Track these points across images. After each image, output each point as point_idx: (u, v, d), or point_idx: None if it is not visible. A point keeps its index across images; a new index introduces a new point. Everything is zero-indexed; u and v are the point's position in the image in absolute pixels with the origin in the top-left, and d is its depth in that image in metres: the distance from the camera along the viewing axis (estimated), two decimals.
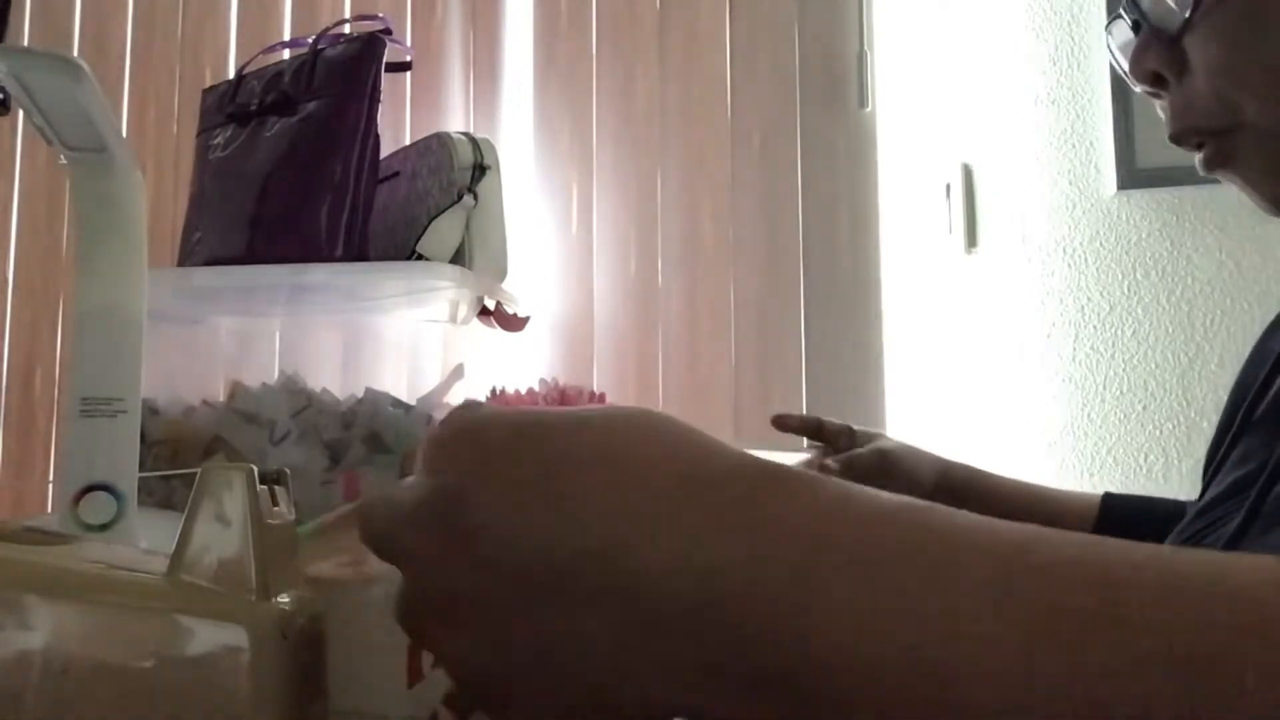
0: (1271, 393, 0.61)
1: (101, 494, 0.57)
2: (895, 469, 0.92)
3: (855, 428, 0.98)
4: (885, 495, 0.28)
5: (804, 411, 1.56)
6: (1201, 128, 0.58)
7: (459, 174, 1.08)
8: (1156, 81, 0.59)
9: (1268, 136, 0.56)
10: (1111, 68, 1.60)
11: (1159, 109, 0.62)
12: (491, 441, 0.30)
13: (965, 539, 0.27)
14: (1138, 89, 0.63)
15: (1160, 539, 0.77)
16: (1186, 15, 0.56)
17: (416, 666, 0.39)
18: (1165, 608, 0.24)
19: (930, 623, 0.25)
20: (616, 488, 0.28)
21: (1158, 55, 0.58)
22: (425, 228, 1.06)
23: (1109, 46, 0.66)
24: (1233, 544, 0.53)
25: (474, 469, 0.30)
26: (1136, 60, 0.59)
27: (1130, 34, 0.61)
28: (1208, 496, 0.62)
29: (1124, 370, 1.58)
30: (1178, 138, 0.60)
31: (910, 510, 0.28)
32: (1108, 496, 0.88)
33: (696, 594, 0.27)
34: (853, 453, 0.94)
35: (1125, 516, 0.86)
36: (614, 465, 0.29)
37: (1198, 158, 0.60)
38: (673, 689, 0.27)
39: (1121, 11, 0.62)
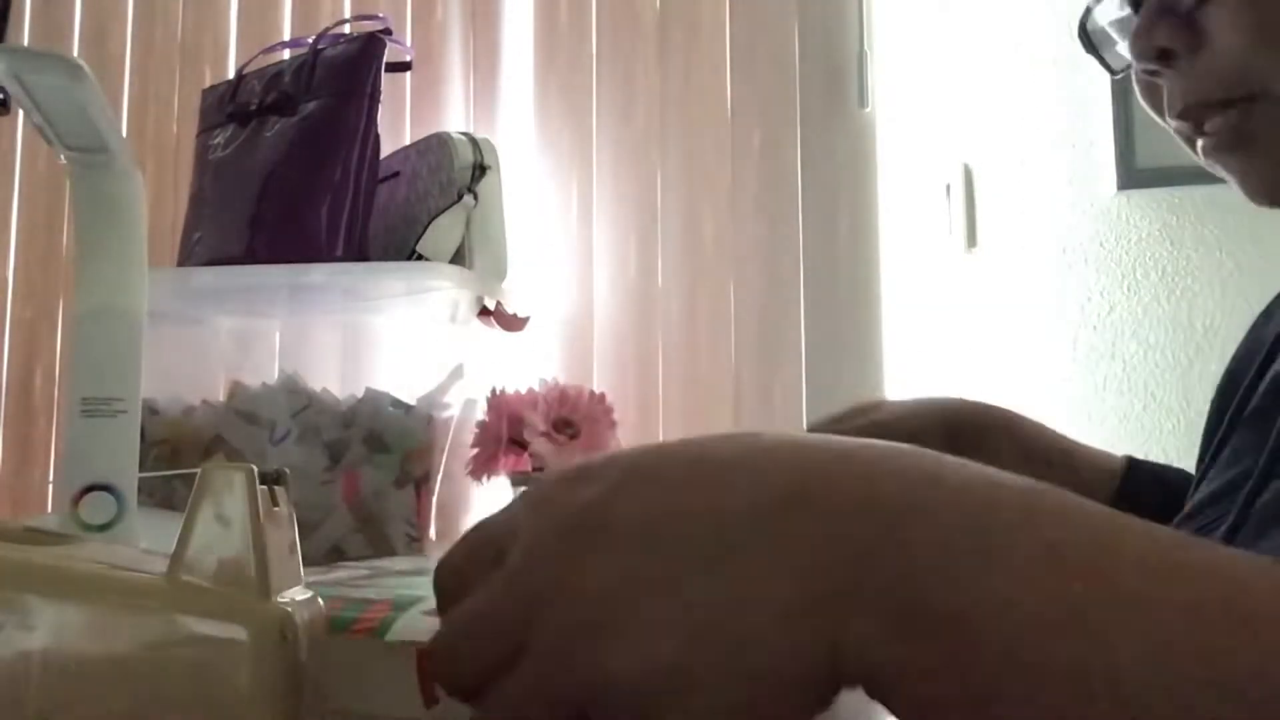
0: (1260, 389, 0.61)
1: (101, 494, 0.57)
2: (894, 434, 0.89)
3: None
4: (1032, 482, 0.30)
5: (804, 412, 1.56)
6: (1218, 99, 0.54)
7: (459, 174, 1.08)
8: (1162, 58, 0.56)
9: None
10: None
11: (1140, 98, 0.59)
12: (621, 463, 0.31)
13: (1119, 518, 0.29)
14: (1124, 70, 0.59)
15: (1174, 510, 0.77)
16: None
17: (430, 690, 0.39)
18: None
19: (1094, 582, 0.27)
20: (783, 451, 0.30)
21: (1169, 29, 0.55)
22: (425, 228, 1.06)
23: (1085, 29, 0.63)
24: (1226, 545, 0.53)
25: (616, 486, 0.30)
26: (1145, 35, 0.55)
27: (1120, 11, 0.59)
28: (1199, 495, 0.61)
29: (1124, 370, 1.58)
30: (1188, 113, 0.56)
31: (1059, 491, 0.30)
32: (1131, 464, 0.87)
33: (883, 532, 0.28)
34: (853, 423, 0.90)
35: (1146, 485, 0.86)
36: (760, 449, 0.31)
37: (1201, 143, 0.57)
38: (853, 640, 0.27)
39: None
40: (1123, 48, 0.61)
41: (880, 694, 0.28)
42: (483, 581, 0.30)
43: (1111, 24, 0.61)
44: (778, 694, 0.28)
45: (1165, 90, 0.57)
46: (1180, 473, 0.85)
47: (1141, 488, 0.84)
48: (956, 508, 0.29)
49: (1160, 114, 0.59)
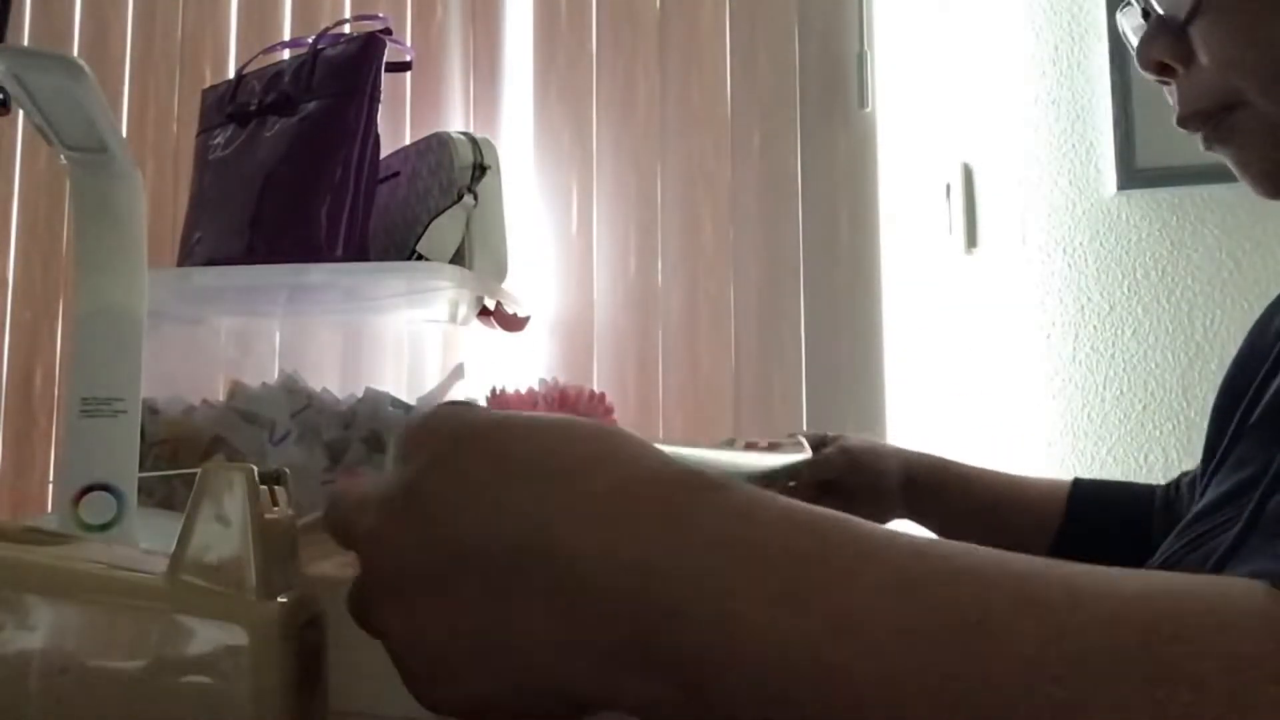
0: (1268, 395, 0.61)
1: (101, 494, 0.57)
2: (861, 464, 0.92)
3: (809, 433, 0.97)
4: (795, 504, 0.31)
5: (805, 412, 1.56)
6: (1206, 111, 0.59)
7: (459, 174, 1.08)
8: (1163, 70, 0.61)
9: (1267, 115, 0.57)
10: (1111, 67, 1.60)
11: (1167, 94, 0.63)
12: (454, 436, 0.33)
13: (866, 545, 0.29)
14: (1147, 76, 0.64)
15: (1130, 524, 0.79)
16: (1193, 3, 0.57)
17: None
18: (1026, 619, 0.26)
19: (829, 620, 0.28)
20: (555, 490, 0.31)
21: (1165, 45, 0.59)
22: (425, 228, 1.06)
23: (1120, 27, 0.67)
24: (1231, 553, 0.53)
25: (433, 460, 0.32)
26: (1144, 50, 0.61)
27: (1140, 19, 0.63)
28: (1206, 500, 0.61)
29: (1124, 370, 1.58)
30: (1183, 122, 0.61)
31: (817, 518, 0.30)
32: (1077, 483, 0.88)
33: (622, 583, 0.29)
34: (821, 453, 0.94)
35: (1094, 502, 0.86)
36: (555, 469, 0.32)
37: (1200, 137, 0.61)
38: (596, 673, 0.30)
39: None
40: None
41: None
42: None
43: (1130, 30, 0.65)
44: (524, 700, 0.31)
45: (1169, 94, 0.62)
46: (1125, 486, 0.87)
47: (1089, 506, 0.85)
48: (703, 557, 0.29)
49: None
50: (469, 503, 0.31)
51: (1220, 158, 0.62)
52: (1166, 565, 0.55)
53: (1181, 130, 0.63)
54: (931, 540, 0.30)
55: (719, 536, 0.30)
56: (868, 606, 0.28)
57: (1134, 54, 0.64)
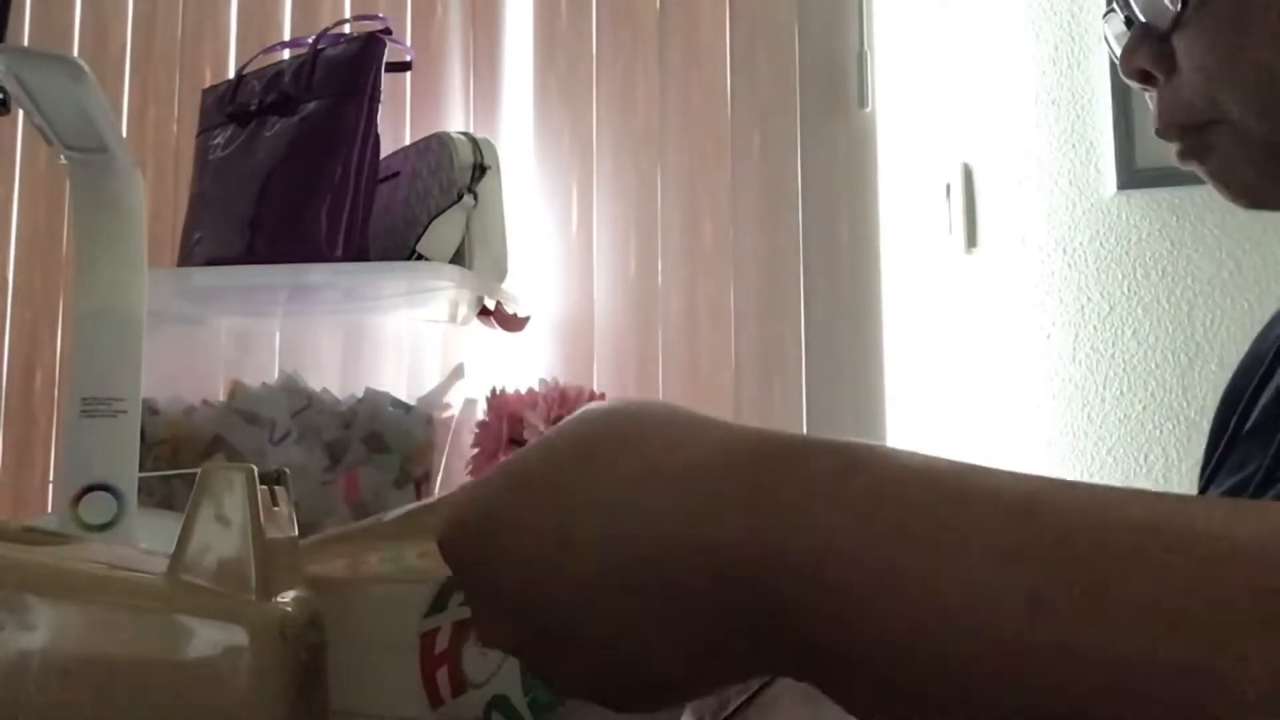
0: (1263, 400, 0.61)
1: (101, 494, 0.57)
2: None
3: None
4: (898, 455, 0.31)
5: (805, 412, 1.56)
6: (1185, 123, 0.59)
7: (459, 174, 1.08)
8: (1145, 79, 0.61)
9: (1246, 131, 0.57)
10: (1111, 67, 1.59)
11: (1149, 100, 0.63)
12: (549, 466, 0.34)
13: (973, 494, 0.29)
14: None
15: None
16: (1175, 14, 0.57)
17: (435, 689, 0.39)
18: (1144, 567, 0.25)
19: (938, 581, 0.27)
20: (649, 490, 0.31)
21: (1147, 54, 0.59)
22: (425, 228, 1.06)
23: (1105, 35, 0.67)
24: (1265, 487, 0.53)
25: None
26: (1126, 58, 0.60)
27: (1123, 27, 0.62)
28: None
29: (1124, 370, 1.58)
30: (1162, 133, 0.61)
31: (926, 469, 0.30)
32: None
33: (718, 562, 0.30)
34: None
35: None
36: (638, 460, 0.32)
37: (1175, 148, 0.61)
38: (701, 653, 0.30)
39: (1114, 6, 0.62)
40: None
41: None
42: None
43: (1113, 38, 0.64)
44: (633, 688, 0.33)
45: (1150, 101, 0.62)
46: None
47: None
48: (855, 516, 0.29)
49: None
50: (575, 526, 0.32)
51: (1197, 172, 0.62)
52: None
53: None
54: (1041, 483, 0.29)
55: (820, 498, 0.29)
56: (982, 565, 0.27)
57: (1116, 61, 0.64)
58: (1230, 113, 0.56)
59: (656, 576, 0.30)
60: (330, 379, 1.03)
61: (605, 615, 0.31)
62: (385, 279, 1.04)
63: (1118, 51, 0.63)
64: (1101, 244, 1.60)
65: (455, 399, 1.02)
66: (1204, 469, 0.69)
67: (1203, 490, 0.65)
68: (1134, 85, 0.62)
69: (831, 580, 0.28)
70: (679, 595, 0.30)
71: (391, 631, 0.40)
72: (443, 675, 0.39)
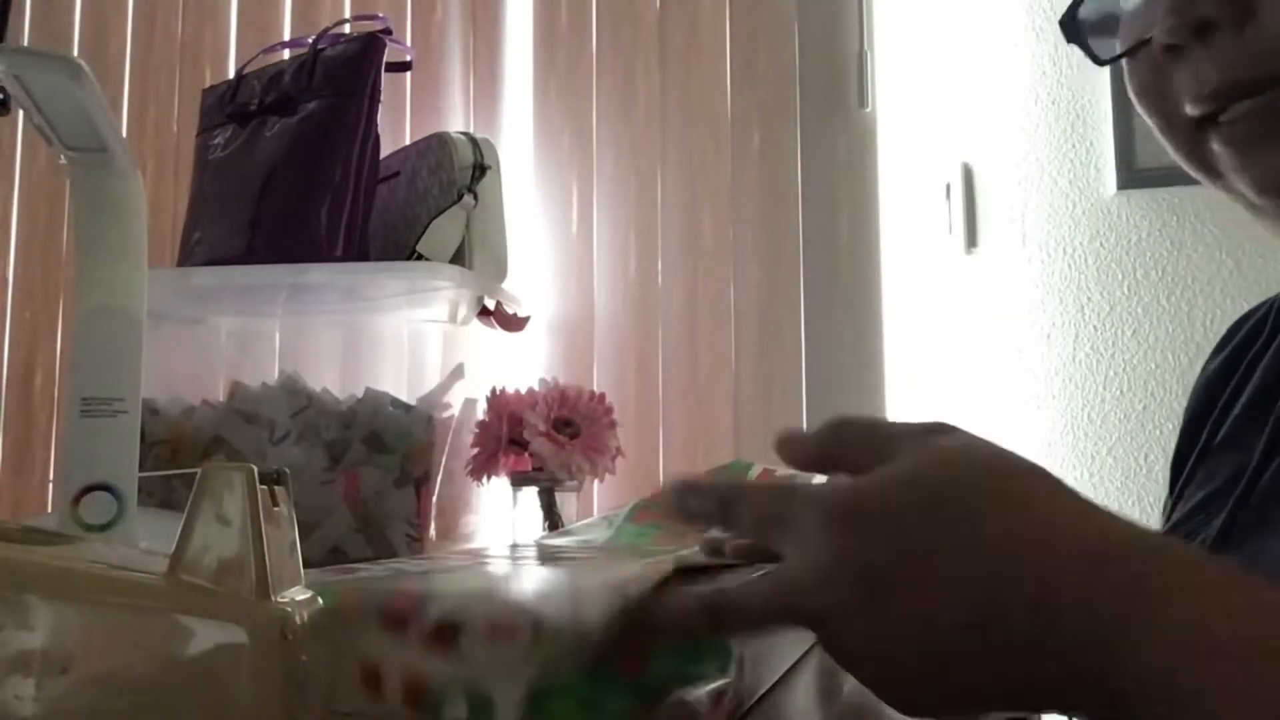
0: (1231, 415, 0.61)
1: (101, 494, 0.57)
2: None
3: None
4: (1262, 585, 0.34)
5: (805, 412, 1.56)
6: (1259, 78, 0.49)
7: (459, 174, 1.08)
8: (1199, 32, 0.50)
9: None
10: (1111, 67, 1.59)
11: (1133, 87, 0.55)
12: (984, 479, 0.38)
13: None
14: (1110, 59, 0.56)
15: None
16: None
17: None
18: None
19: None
20: (1052, 552, 0.36)
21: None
22: (425, 228, 1.06)
23: (1075, 15, 0.58)
24: (1221, 538, 0.53)
25: (978, 489, 0.38)
26: (1184, 7, 0.50)
27: None
28: (1174, 518, 0.61)
29: (1124, 370, 1.58)
30: (1220, 92, 0.51)
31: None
32: None
33: (1093, 647, 0.34)
34: None
35: None
36: (1046, 534, 0.37)
37: (1221, 132, 0.52)
38: (1049, 693, 0.36)
39: None
40: (1124, 33, 0.57)
41: None
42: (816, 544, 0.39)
43: (1116, 6, 0.56)
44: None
45: (1191, 71, 0.52)
46: None
47: None
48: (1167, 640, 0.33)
49: (1161, 106, 0.55)
50: (997, 541, 0.36)
51: (1229, 154, 0.52)
52: None
53: (1156, 125, 0.55)
54: None
55: (1188, 613, 0.34)
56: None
57: (1098, 40, 0.56)
58: None
59: (1024, 625, 0.35)
60: (330, 379, 1.03)
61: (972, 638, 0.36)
62: (385, 279, 1.04)
63: (1118, 14, 0.55)
64: (1101, 244, 1.60)
65: (455, 399, 1.02)
66: (1172, 484, 0.68)
67: (1171, 509, 0.65)
68: (1173, 41, 0.51)
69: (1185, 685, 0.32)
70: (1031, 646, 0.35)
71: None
72: (420, 622, 0.37)
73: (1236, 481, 0.55)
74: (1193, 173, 0.55)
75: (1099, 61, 0.58)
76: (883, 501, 0.38)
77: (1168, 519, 0.64)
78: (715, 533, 0.61)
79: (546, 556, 0.61)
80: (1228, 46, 0.50)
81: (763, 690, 0.48)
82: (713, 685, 0.39)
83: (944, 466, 0.39)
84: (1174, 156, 0.56)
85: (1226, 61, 0.50)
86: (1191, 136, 0.54)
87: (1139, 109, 0.57)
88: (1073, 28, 0.59)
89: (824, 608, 0.38)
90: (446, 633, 0.36)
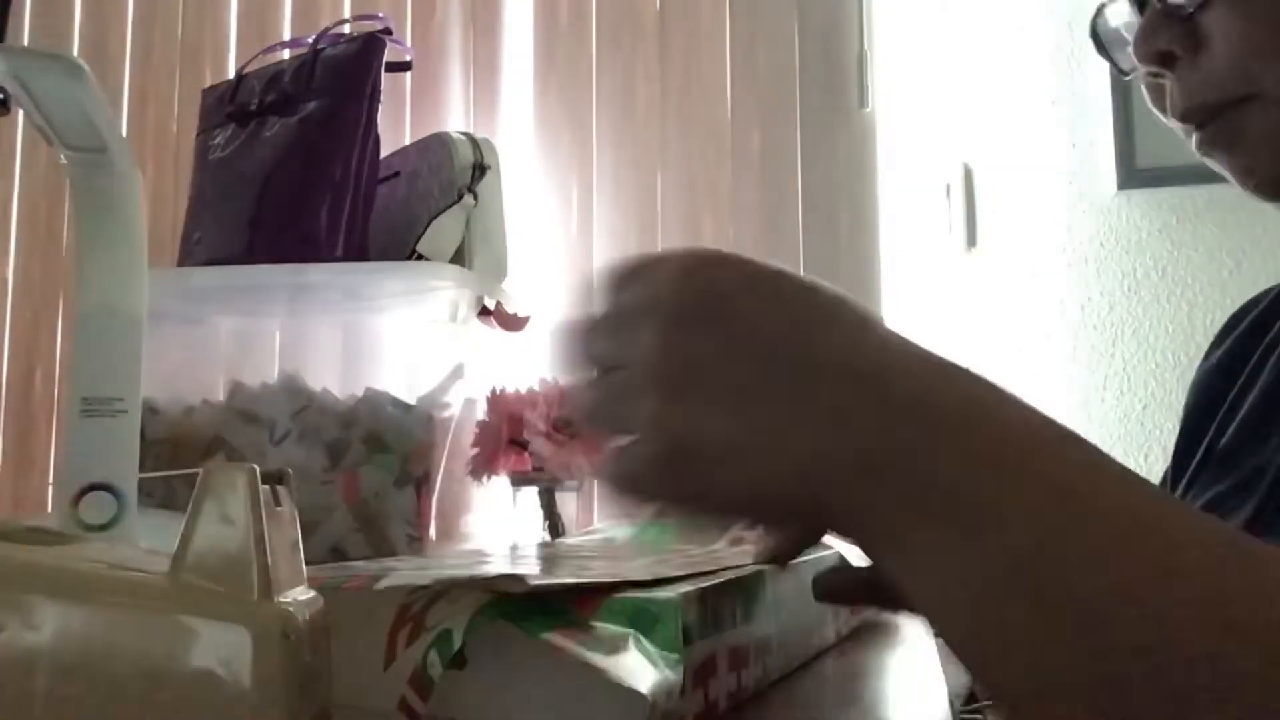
0: (1237, 418, 0.61)
1: (101, 494, 0.57)
2: None
3: None
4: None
5: None
6: (1216, 101, 0.56)
7: (459, 174, 1.08)
8: (1164, 61, 0.57)
9: None
10: (1111, 67, 1.59)
11: (1147, 98, 0.60)
12: (750, 270, 0.39)
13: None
14: (1134, 72, 0.60)
15: None
16: None
17: (393, 645, 0.39)
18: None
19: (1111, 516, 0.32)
20: (891, 344, 0.37)
21: (1171, 32, 0.56)
22: (425, 228, 1.06)
23: (1096, 31, 0.64)
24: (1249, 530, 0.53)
25: (742, 282, 0.38)
26: (1147, 38, 0.56)
27: (1130, 15, 0.59)
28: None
29: (1124, 370, 1.58)
30: (1186, 115, 0.57)
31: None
32: None
33: (900, 404, 0.35)
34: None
35: None
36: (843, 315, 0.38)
37: (1195, 136, 0.58)
38: (849, 473, 0.35)
39: None
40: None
41: (878, 557, 0.36)
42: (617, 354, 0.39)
43: (1122, 26, 0.62)
44: (790, 504, 0.37)
45: (1168, 91, 0.58)
46: None
47: None
48: (1001, 430, 0.34)
49: (1165, 114, 0.59)
50: (772, 318, 0.37)
51: (1214, 164, 0.59)
52: None
53: (1177, 129, 0.59)
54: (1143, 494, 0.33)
55: (1014, 425, 0.35)
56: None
57: (1111, 58, 0.62)
58: (1268, 88, 0.54)
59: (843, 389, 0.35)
60: (330, 379, 1.03)
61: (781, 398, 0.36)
62: (385, 279, 1.04)
63: (1128, 39, 0.59)
64: (1101, 244, 1.60)
65: (455, 399, 1.02)
66: (1173, 480, 0.68)
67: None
68: (1145, 70, 0.58)
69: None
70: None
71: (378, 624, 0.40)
72: (404, 632, 0.39)
73: (1258, 477, 0.55)
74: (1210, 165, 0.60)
75: (1123, 73, 0.63)
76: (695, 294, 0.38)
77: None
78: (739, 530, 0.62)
79: (548, 556, 0.61)
80: (1188, 75, 0.56)
81: (759, 687, 0.48)
82: (661, 678, 0.38)
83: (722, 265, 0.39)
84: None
85: (1188, 88, 0.57)
86: (1191, 137, 0.59)
87: (1154, 112, 0.62)
88: (1098, 41, 0.64)
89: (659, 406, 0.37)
90: (415, 628, 0.40)
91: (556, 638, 0.38)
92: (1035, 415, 0.35)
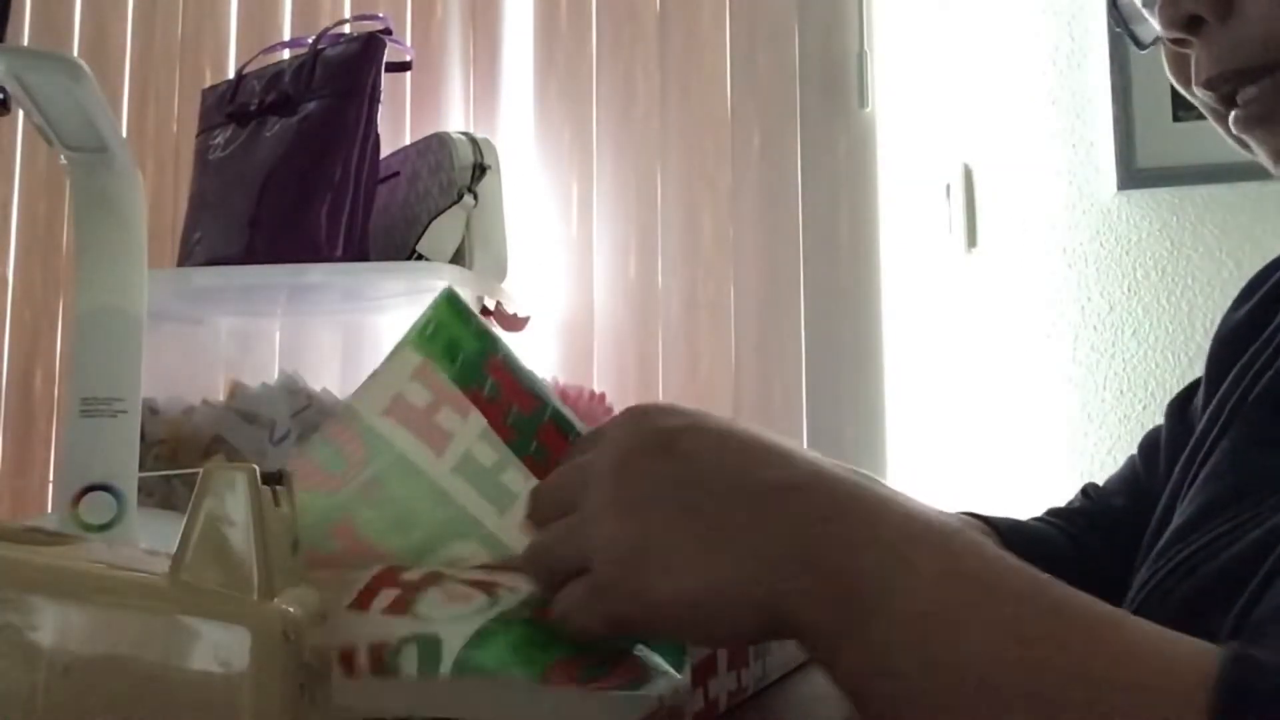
0: (1258, 389, 0.61)
1: (101, 494, 0.57)
2: None
3: None
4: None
5: (804, 411, 1.56)
6: (1247, 67, 0.52)
7: (459, 174, 1.08)
8: (1191, 26, 0.53)
9: None
10: (1111, 67, 1.59)
11: (1167, 68, 0.58)
12: (697, 414, 0.42)
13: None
14: (1154, 43, 0.57)
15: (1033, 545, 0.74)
16: None
17: (367, 597, 0.39)
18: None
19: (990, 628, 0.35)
20: (824, 477, 0.39)
21: None
22: (425, 228, 1.06)
23: (1116, 3, 0.60)
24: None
25: (692, 427, 0.41)
26: (1173, 2, 0.53)
27: None
28: (1182, 518, 0.59)
29: (1124, 370, 1.58)
30: (1214, 82, 0.54)
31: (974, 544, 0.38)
32: (986, 520, 0.82)
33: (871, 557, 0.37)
34: None
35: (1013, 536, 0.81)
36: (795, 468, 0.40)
37: (1233, 115, 0.55)
38: (785, 583, 0.37)
39: None
40: (1153, 20, 0.58)
41: (810, 646, 0.38)
42: (563, 519, 0.41)
43: None
44: (725, 612, 0.38)
45: (1193, 59, 0.55)
46: (1007, 520, 0.81)
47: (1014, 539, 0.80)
48: (930, 568, 0.36)
49: (1187, 86, 0.57)
50: (720, 453, 0.40)
51: (1252, 142, 0.55)
52: (1157, 593, 0.54)
53: (1203, 101, 0.56)
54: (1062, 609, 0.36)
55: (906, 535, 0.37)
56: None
57: (1139, 25, 0.58)
58: None
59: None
60: (330, 379, 1.03)
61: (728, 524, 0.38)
62: (385, 279, 1.04)
63: (1143, 7, 0.57)
64: (1101, 244, 1.60)
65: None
66: (1166, 476, 0.67)
67: (1167, 505, 0.63)
68: (1172, 35, 0.55)
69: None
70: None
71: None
72: (389, 592, 0.39)
73: (1234, 498, 0.54)
74: (1230, 140, 0.58)
75: (1140, 45, 0.60)
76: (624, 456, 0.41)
77: (1165, 508, 0.62)
78: None
79: None
80: (1217, 39, 0.53)
81: (759, 687, 0.48)
82: (662, 685, 0.38)
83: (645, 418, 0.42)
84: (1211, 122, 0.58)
85: (1217, 53, 0.53)
86: (1215, 112, 0.56)
87: (1175, 85, 0.59)
88: (1116, 13, 0.61)
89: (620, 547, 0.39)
90: (402, 603, 0.39)
91: (556, 676, 0.37)
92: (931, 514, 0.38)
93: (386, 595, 0.39)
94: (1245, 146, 0.57)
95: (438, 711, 0.38)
